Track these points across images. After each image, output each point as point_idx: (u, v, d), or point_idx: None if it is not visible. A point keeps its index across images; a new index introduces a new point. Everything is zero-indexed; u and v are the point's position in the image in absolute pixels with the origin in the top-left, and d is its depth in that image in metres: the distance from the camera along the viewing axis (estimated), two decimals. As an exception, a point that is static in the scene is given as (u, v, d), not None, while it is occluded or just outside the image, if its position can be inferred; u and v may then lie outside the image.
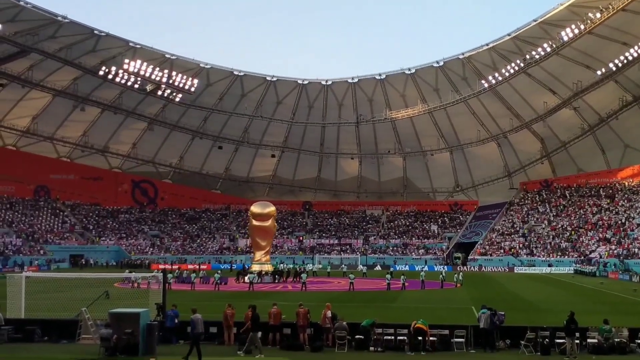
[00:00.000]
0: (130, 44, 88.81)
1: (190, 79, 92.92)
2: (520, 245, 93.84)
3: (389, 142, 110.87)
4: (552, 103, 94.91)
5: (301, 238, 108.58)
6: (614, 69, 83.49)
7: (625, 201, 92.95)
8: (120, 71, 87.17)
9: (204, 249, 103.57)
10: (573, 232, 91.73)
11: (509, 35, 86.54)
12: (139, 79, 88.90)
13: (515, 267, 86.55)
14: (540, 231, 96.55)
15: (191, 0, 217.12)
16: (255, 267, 62.73)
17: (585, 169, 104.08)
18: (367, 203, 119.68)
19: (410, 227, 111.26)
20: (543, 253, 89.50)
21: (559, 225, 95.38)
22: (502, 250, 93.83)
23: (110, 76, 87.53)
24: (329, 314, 24.11)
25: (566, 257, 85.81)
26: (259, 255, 65.65)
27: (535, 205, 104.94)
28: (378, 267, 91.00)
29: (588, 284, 59.18)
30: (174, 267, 74.45)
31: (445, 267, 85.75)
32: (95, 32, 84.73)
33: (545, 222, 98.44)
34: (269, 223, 65.76)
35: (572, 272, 79.22)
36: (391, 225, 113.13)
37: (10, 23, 78.58)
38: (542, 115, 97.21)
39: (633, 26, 77.70)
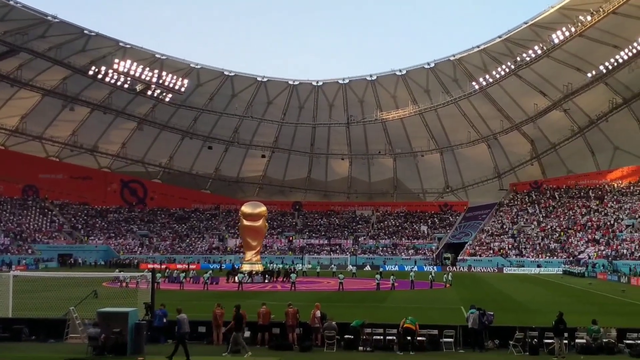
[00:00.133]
0: (120, 43, 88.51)
1: (180, 79, 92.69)
2: (510, 246, 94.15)
3: (379, 143, 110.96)
4: (543, 105, 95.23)
5: (291, 238, 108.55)
6: (604, 71, 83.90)
7: (614, 203, 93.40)
8: (110, 71, 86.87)
9: (193, 249, 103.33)
10: (562, 233, 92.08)
11: (499, 37, 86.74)
12: (128, 78, 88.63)
13: (504, 268, 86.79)
14: (530, 232, 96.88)
15: (187, 0, 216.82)
16: (246, 267, 62.64)
17: (575, 170, 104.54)
18: (357, 203, 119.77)
19: (400, 228, 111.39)
20: (532, 254, 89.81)
21: (548, 226, 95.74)
22: (491, 251, 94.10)
23: (99, 76, 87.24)
24: (318, 313, 24.08)
25: (555, 257, 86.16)
26: (249, 255, 65.55)
27: (524, 206, 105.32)
28: (368, 268, 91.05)
29: (577, 285, 59.37)
30: (162, 266, 74.18)
31: (435, 267, 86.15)
32: (85, 31, 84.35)
33: (535, 223, 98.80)
34: (259, 223, 65.68)
35: (561, 272, 79.52)
36: (381, 225, 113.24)
37: (0, 22, 78.16)
38: (533, 117, 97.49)
39: (623, 29, 78.02)
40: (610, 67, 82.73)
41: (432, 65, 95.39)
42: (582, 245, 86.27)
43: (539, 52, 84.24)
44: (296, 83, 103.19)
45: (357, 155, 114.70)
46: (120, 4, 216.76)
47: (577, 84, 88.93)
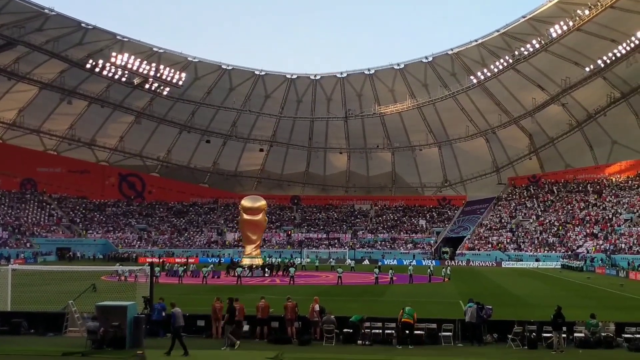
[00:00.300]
0: (118, 37, 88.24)
1: (178, 72, 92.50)
2: (508, 240, 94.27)
3: (377, 137, 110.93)
4: (541, 99, 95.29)
5: (289, 232, 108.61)
6: (602, 65, 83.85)
7: (613, 197, 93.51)
8: (108, 64, 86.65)
9: (191, 243, 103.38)
10: (560, 228, 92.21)
11: (497, 31, 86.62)
12: (126, 72, 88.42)
13: (502, 262, 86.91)
14: (528, 226, 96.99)
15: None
16: (246, 261, 62.69)
17: (573, 164, 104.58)
18: (355, 197, 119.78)
19: (398, 222, 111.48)
20: (530, 248, 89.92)
21: (547, 221, 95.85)
22: (489, 245, 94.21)
23: (97, 69, 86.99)
24: (317, 307, 24.11)
25: (553, 252, 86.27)
26: (249, 249, 65.61)
27: (523, 200, 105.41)
28: (366, 262, 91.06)
29: (575, 279, 59.48)
30: (160, 260, 74.26)
31: (433, 261, 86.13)
32: (83, 25, 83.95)
33: (533, 217, 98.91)
34: (259, 217, 65.78)
35: (560, 267, 79.62)
36: (379, 219, 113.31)
37: (-3, 15, 78.07)
38: (531, 111, 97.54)
39: (621, 23, 77.94)
40: (608, 61, 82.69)
41: (430, 59, 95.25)
42: (581, 239, 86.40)
43: (537, 46, 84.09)
44: (294, 77, 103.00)
45: (356, 149, 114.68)
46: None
47: (575, 78, 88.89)
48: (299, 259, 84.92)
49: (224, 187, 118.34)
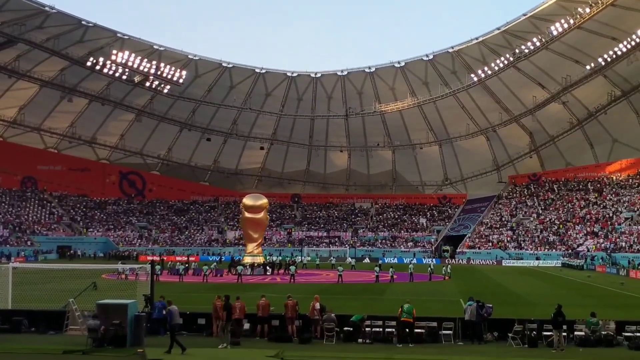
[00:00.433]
0: (118, 34, 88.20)
1: (178, 70, 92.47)
2: (509, 239, 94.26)
3: (378, 135, 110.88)
4: (541, 97, 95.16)
5: (290, 230, 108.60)
6: (603, 63, 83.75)
7: (613, 195, 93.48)
8: (108, 62, 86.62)
9: (192, 241, 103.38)
10: (561, 226, 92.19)
11: (498, 29, 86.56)
12: (126, 70, 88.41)
13: (503, 260, 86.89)
14: (529, 225, 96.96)
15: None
16: (248, 259, 62.68)
17: (574, 163, 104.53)
18: (356, 196, 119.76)
19: (399, 220, 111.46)
20: (531, 246, 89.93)
21: (547, 219, 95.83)
22: (490, 244, 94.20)
23: (97, 67, 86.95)
24: (317, 306, 24.11)
25: (554, 250, 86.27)
26: (251, 247, 65.59)
27: (523, 198, 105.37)
28: (367, 260, 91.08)
29: (575, 277, 59.50)
30: (160, 258, 74.14)
31: (434, 260, 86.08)
32: (83, 22, 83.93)
33: (534, 215, 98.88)
34: (261, 215, 65.77)
35: (560, 265, 79.63)
36: (380, 218, 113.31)
37: (-3, 13, 78.00)
38: (531, 109, 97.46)
39: (622, 21, 77.85)
40: (609, 59, 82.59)
41: (431, 57, 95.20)
42: (581, 237, 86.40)
43: (538, 44, 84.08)
44: (294, 75, 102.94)
45: (356, 147, 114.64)
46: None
47: (575, 77, 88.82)
48: (300, 257, 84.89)
49: (225, 186, 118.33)
